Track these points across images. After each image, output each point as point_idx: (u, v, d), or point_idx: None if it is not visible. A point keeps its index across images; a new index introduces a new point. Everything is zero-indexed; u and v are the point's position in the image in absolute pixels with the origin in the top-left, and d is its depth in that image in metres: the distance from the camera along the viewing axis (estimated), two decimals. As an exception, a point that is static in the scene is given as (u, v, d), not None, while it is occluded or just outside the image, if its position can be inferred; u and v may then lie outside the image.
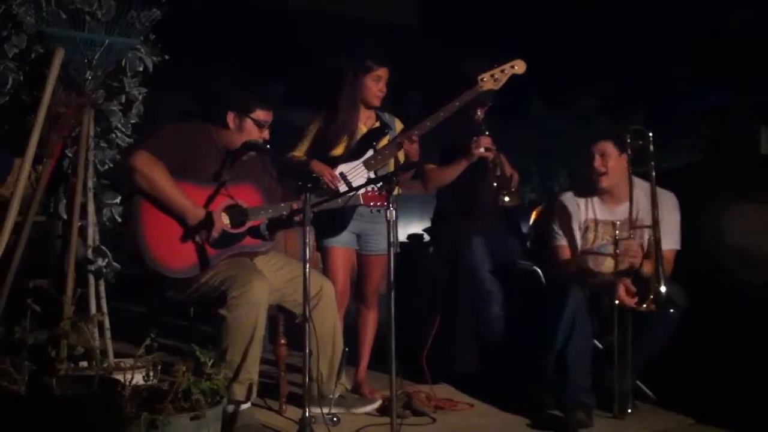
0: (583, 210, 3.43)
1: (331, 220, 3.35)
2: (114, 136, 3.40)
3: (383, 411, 3.24)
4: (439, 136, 3.51)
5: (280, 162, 3.33)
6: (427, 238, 4.42)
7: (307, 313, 2.74)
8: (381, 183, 2.99)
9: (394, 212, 2.75)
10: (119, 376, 2.49)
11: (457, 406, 3.38)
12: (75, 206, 3.27)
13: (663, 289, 3.05)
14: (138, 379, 2.50)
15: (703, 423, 3.17)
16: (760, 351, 3.35)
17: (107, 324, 3.28)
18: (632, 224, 3.28)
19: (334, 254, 3.43)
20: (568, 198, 3.46)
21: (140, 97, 3.42)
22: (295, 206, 3.04)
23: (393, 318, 2.70)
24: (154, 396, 2.41)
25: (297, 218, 3.02)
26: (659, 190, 3.28)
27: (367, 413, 3.24)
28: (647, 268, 3.19)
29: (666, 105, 8.30)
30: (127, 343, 3.29)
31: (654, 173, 3.23)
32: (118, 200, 3.40)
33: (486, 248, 3.77)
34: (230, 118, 3.09)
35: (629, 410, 3.24)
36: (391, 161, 3.47)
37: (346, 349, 3.20)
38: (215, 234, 2.94)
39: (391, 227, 2.75)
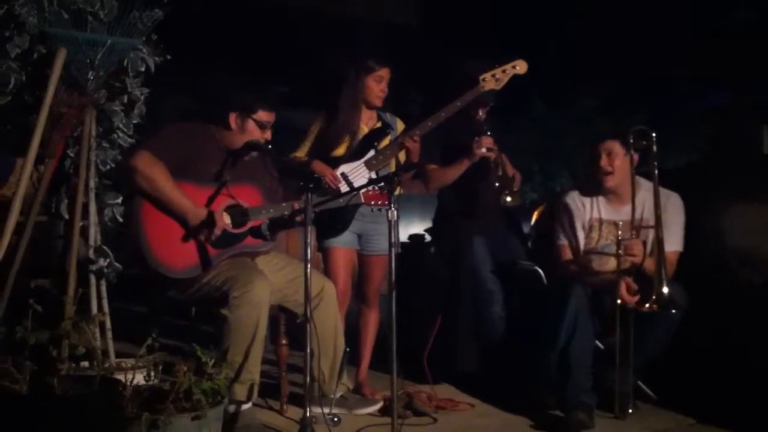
0: (588, 209, 3.42)
1: (333, 221, 3.35)
2: (116, 136, 3.40)
3: (384, 411, 3.24)
4: (441, 136, 3.51)
5: (282, 162, 3.33)
6: (428, 238, 4.42)
7: (308, 314, 2.74)
8: (382, 183, 3.00)
9: (395, 212, 2.75)
10: (120, 376, 2.49)
11: (459, 407, 3.39)
12: (77, 206, 3.27)
13: (665, 290, 3.05)
14: (139, 379, 2.51)
15: (704, 423, 3.17)
16: (761, 351, 3.35)
17: (108, 324, 3.29)
18: (636, 224, 3.27)
19: (336, 254, 3.43)
20: (573, 197, 3.46)
21: (142, 98, 3.42)
22: (296, 206, 3.05)
23: (394, 318, 2.70)
24: (155, 396, 2.42)
25: (298, 218, 3.02)
26: (665, 191, 3.29)
27: (368, 414, 3.24)
28: (649, 265, 3.19)
29: (666, 105, 8.29)
30: (129, 343, 3.30)
31: (657, 173, 3.23)
32: (119, 200, 3.41)
33: (487, 248, 3.77)
34: (232, 118, 3.09)
35: (630, 410, 3.24)
36: (393, 161, 3.47)
37: (348, 349, 3.21)
38: (217, 233, 2.94)
39: (393, 227, 2.76)
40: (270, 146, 3.12)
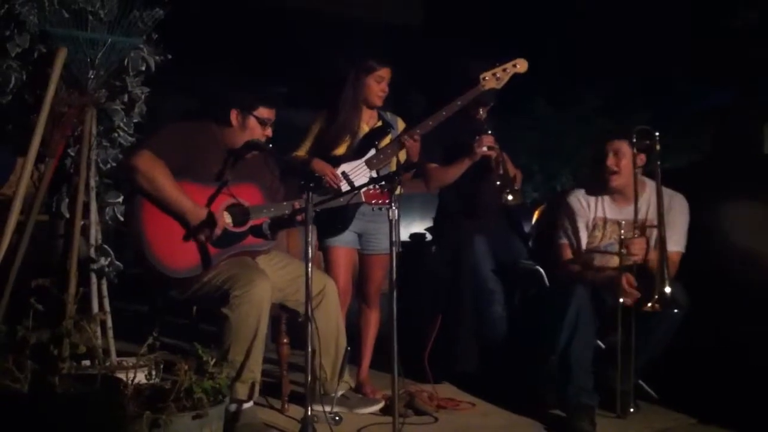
0: (592, 208, 3.42)
1: (333, 220, 3.35)
2: (116, 135, 3.41)
3: (385, 410, 3.24)
4: (442, 135, 3.51)
5: (283, 161, 3.33)
6: (429, 237, 4.42)
7: (309, 312, 2.74)
8: (383, 182, 2.99)
9: (396, 211, 2.75)
10: (122, 375, 2.48)
11: (459, 406, 3.38)
12: (77, 205, 3.27)
13: (667, 289, 3.05)
14: (140, 378, 2.50)
15: (706, 422, 3.17)
16: (762, 350, 3.35)
17: (109, 323, 3.30)
18: (640, 224, 3.27)
19: (336, 254, 3.43)
20: (578, 196, 3.45)
21: (143, 97, 3.43)
22: (297, 205, 3.05)
23: (395, 317, 2.70)
24: (156, 395, 2.41)
25: (299, 217, 3.02)
26: (670, 192, 3.29)
27: (369, 413, 3.24)
28: (652, 261, 3.18)
29: (667, 105, 8.29)
30: (130, 342, 3.29)
31: (660, 172, 3.23)
32: (120, 199, 3.41)
33: (488, 247, 3.77)
34: (233, 115, 3.09)
35: (632, 410, 3.24)
36: (394, 160, 3.47)
37: (349, 348, 3.21)
38: (218, 232, 2.94)
39: (393, 226, 2.75)
40: (270, 145, 3.12)
